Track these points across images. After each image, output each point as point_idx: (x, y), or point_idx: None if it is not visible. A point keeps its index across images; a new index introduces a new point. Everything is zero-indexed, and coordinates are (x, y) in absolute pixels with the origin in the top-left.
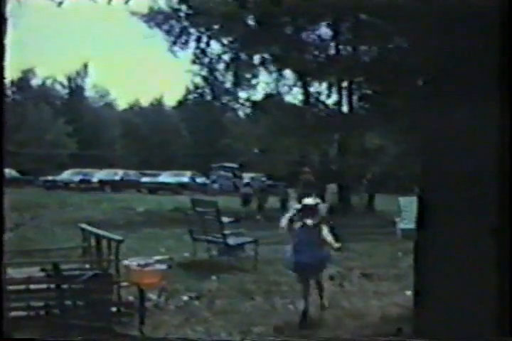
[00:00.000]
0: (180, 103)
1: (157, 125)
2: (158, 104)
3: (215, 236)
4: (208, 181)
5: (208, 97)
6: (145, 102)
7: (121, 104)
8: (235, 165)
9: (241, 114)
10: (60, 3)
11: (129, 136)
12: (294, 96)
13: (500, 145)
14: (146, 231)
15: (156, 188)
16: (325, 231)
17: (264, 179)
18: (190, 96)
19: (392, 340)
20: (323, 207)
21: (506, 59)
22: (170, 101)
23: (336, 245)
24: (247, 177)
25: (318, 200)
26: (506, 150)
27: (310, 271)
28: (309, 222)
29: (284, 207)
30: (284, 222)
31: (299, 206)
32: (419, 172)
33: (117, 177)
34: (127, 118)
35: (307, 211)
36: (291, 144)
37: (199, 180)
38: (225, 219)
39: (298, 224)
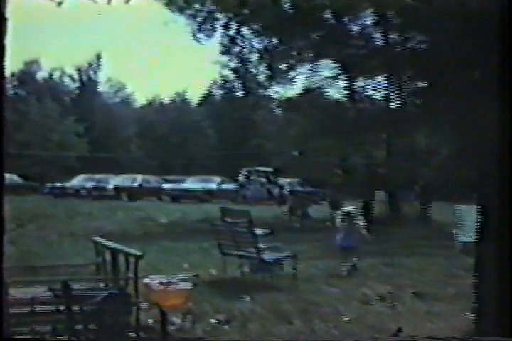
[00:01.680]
0: (206, 99)
1: (179, 124)
2: (180, 100)
3: (248, 250)
4: (238, 188)
5: (238, 92)
6: (166, 98)
7: (139, 100)
8: (269, 169)
9: (275, 111)
10: (59, 3)
11: (147, 136)
12: (336, 91)
13: None
14: (169, 245)
15: (179, 196)
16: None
17: (298, 186)
18: (217, 91)
19: (392, 340)
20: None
21: None
22: (194, 96)
23: (368, 236)
24: (282, 183)
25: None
26: None
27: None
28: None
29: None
30: (338, 222)
31: (349, 208)
32: (477, 176)
33: (135, 184)
34: (145, 116)
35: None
36: (331, 145)
37: (228, 186)
38: (258, 231)
39: (344, 223)
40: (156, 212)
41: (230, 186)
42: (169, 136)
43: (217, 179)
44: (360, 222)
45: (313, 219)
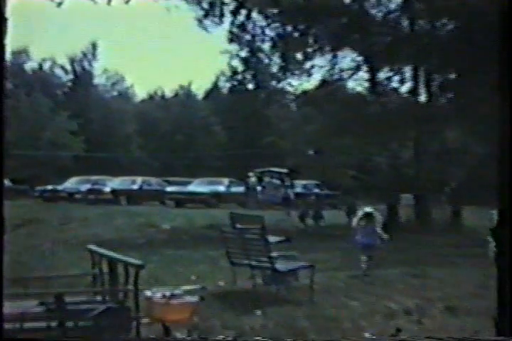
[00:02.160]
0: (213, 92)
1: (184, 120)
2: (184, 94)
3: (260, 259)
4: (249, 191)
5: (249, 85)
6: (168, 92)
7: (139, 94)
8: (283, 170)
9: (290, 105)
10: (59, 4)
11: (148, 133)
12: (358, 83)
13: None
14: (173, 254)
15: (184, 200)
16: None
17: (317, 188)
18: (225, 84)
19: (392, 340)
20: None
21: None
22: (199, 90)
23: (385, 236)
24: (298, 185)
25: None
26: None
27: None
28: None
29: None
30: (355, 222)
31: (368, 209)
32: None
33: (135, 186)
34: (146, 112)
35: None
36: (352, 144)
37: (238, 189)
38: (272, 239)
39: (362, 223)
40: (158, 218)
41: (240, 189)
42: (172, 133)
43: (226, 181)
44: (379, 223)
45: (330, 224)
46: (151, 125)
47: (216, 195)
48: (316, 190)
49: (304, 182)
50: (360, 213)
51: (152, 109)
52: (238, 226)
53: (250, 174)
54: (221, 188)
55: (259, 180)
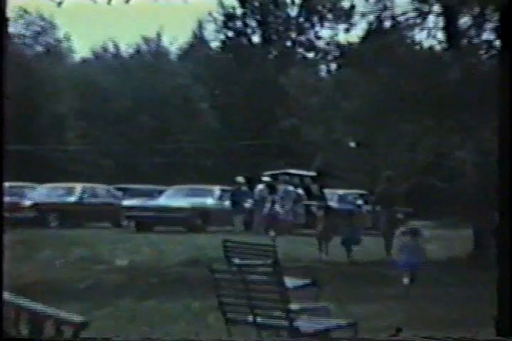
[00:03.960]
0: (196, 49)
1: (150, 93)
2: (150, 51)
3: (272, 314)
4: (255, 204)
5: (254, 38)
6: (125, 47)
7: (79, 51)
8: (307, 173)
9: (319, 69)
10: (59, 4)
11: (93, 114)
12: (425, 34)
13: None
14: (133, 306)
15: (151, 220)
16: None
17: (361, 200)
18: (216, 36)
19: (392, 340)
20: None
21: None
22: (175, 44)
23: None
24: (331, 195)
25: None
26: None
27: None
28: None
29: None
30: (398, 233)
31: (415, 225)
32: None
33: (72, 198)
34: (90, 80)
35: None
36: (418, 128)
37: (232, 199)
38: (291, 282)
39: (405, 239)
40: (109, 248)
41: (241, 200)
42: (133, 114)
43: (217, 190)
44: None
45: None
46: (97, 100)
47: (202, 211)
48: (360, 203)
49: (340, 191)
50: (403, 228)
51: (99, 75)
52: (237, 261)
53: (261, 178)
54: (210, 201)
55: (271, 187)
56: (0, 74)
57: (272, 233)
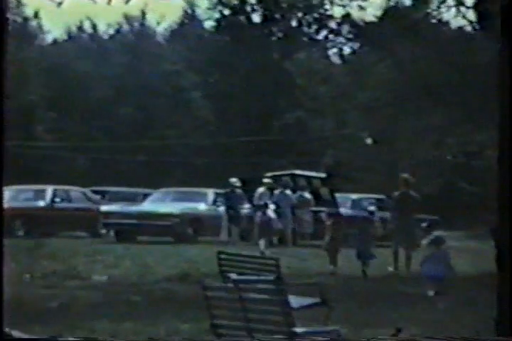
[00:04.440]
0: (186, 28)
1: (133, 78)
2: (133, 30)
3: (274, 339)
4: (255, 209)
5: (255, 16)
6: (103, 25)
7: (50, 30)
8: (316, 175)
9: (331, 51)
10: (59, 4)
11: (65, 102)
12: (446, 16)
13: None
14: (112, 328)
15: (134, 228)
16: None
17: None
18: (210, 14)
19: (392, 340)
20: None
21: None
22: (161, 23)
23: None
24: (344, 200)
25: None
26: None
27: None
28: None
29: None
30: (424, 242)
31: (438, 233)
32: None
33: (41, 203)
34: (62, 62)
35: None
36: (440, 124)
37: (227, 204)
38: (297, 301)
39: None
40: (85, 261)
41: (237, 205)
42: (113, 103)
43: (211, 194)
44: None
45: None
46: (71, 88)
47: (193, 218)
48: (372, 209)
49: (354, 196)
50: (429, 237)
51: (73, 59)
52: (233, 277)
53: (263, 180)
54: (202, 206)
55: (274, 191)
56: (0, 74)
57: (263, 243)
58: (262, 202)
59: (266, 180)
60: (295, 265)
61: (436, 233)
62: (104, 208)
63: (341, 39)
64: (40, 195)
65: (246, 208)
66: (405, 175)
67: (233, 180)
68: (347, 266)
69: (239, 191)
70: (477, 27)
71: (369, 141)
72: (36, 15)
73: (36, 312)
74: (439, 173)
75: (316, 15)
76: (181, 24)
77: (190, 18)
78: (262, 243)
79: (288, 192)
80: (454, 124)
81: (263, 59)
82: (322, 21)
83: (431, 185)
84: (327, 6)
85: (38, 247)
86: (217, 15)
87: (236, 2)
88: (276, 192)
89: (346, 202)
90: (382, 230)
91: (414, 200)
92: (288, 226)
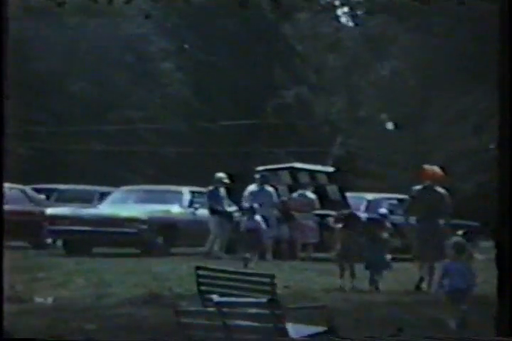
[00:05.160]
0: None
1: (87, 45)
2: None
3: None
4: (241, 212)
5: None
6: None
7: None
8: (321, 169)
9: (335, 16)
10: (59, 4)
11: (19, 80)
12: None
13: None
14: None
15: (88, 236)
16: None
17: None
18: None
19: (392, 340)
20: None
21: None
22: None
23: None
24: (357, 200)
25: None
26: None
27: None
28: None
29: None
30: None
31: (458, 239)
32: None
33: None
34: (22, 36)
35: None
36: (476, 108)
37: (209, 206)
38: (298, 330)
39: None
40: (25, 280)
41: (219, 208)
42: (62, 78)
43: (187, 192)
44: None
45: None
46: (7, 57)
47: (164, 224)
48: (384, 212)
49: (369, 196)
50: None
51: (11, 20)
52: (216, 298)
53: (254, 175)
54: (175, 209)
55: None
56: (0, 74)
57: (252, 257)
58: (247, 205)
59: (258, 176)
60: (294, 283)
61: (457, 238)
62: (49, 211)
63: None
64: None
65: (233, 211)
66: (431, 166)
67: (221, 175)
68: (363, 284)
69: (222, 189)
70: None
71: (390, 125)
72: None
73: None
74: (478, 167)
75: None
76: None
77: None
78: (250, 256)
79: (269, 188)
80: (494, 107)
81: (254, 19)
82: None
83: (468, 182)
84: None
85: None
86: None
87: None
88: (254, 188)
89: (360, 203)
90: (400, 239)
91: (442, 198)
92: (272, 235)
